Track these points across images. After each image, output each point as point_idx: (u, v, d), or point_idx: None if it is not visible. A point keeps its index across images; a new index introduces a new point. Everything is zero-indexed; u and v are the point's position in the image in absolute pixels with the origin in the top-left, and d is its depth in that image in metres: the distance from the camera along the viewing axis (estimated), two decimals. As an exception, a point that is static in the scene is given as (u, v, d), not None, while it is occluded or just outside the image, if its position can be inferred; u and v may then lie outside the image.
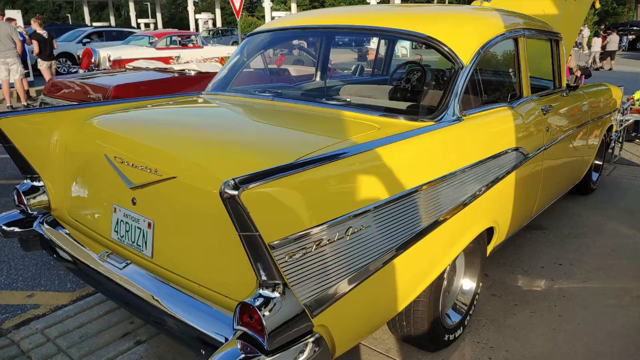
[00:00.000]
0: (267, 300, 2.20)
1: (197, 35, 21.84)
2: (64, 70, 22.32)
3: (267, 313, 2.17)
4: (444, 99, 3.54)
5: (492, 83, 4.76)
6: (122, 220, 3.16)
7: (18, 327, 4.01)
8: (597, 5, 8.80)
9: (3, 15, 14.70)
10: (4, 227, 3.64)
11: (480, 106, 3.88)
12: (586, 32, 36.85)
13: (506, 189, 3.90)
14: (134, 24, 51.94)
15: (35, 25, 15.12)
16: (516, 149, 3.94)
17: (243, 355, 2.23)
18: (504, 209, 3.99)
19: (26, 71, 15.61)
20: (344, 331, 2.60)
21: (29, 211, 3.64)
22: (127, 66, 10.78)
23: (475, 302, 3.99)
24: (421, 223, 2.91)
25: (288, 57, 12.05)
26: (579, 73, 11.35)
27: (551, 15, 7.16)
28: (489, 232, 3.90)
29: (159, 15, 57.69)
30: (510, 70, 4.63)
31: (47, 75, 15.12)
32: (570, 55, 10.20)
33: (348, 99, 4.09)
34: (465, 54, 3.65)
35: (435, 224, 3.02)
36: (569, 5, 7.55)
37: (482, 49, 3.77)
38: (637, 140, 10.52)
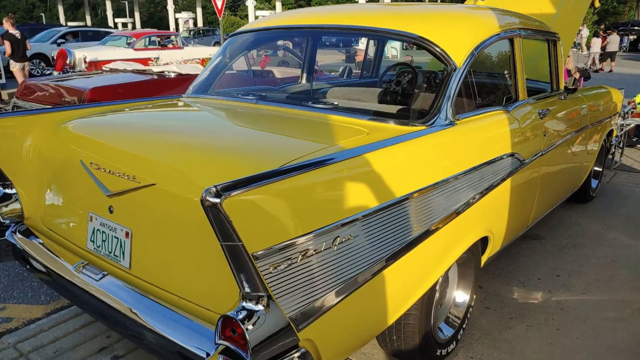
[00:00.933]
0: (251, 313, 2.20)
1: (177, 36, 21.90)
2: (38, 72, 22.21)
3: (250, 327, 2.17)
4: (436, 103, 3.55)
5: (487, 86, 4.78)
6: (98, 230, 3.16)
7: (-11, 342, 4.00)
8: (597, 4, 8.85)
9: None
10: (-26, 237, 3.64)
11: (474, 110, 3.91)
12: (585, 32, 37.04)
13: (501, 196, 3.93)
14: (111, 23, 52.01)
15: (7, 25, 15.06)
16: (512, 155, 3.97)
17: (226, 371, 2.24)
18: (499, 218, 4.01)
19: (-3, 73, 15.58)
20: (331, 346, 2.60)
21: (1, 220, 3.62)
22: (103, 68, 10.79)
23: (468, 315, 4.00)
24: (412, 232, 2.92)
25: (272, 59, 12.05)
26: (577, 75, 11.44)
27: (548, 15, 7.21)
28: (484, 241, 3.92)
29: (137, 15, 57.79)
30: (506, 72, 4.65)
31: (19, 78, 15.06)
32: (568, 56, 10.25)
33: (335, 103, 4.10)
34: (458, 55, 3.67)
35: (427, 234, 3.03)
36: (567, 4, 7.60)
37: (476, 50, 3.79)
38: (639, 146, 10.58)
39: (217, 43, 34.23)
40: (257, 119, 3.88)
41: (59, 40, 24.21)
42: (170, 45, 20.46)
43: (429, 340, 3.49)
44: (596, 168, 7.12)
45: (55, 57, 17.36)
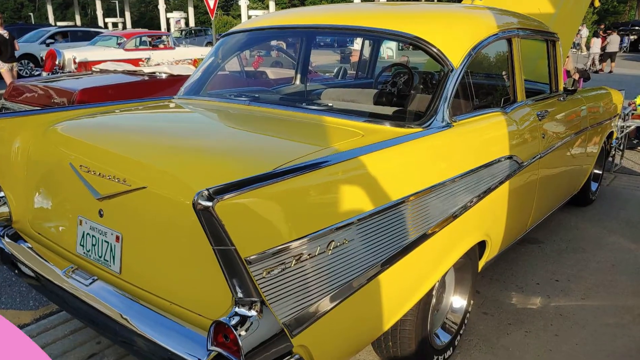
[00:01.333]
0: (244, 319, 2.20)
1: (168, 36, 21.90)
2: (26, 73, 22.23)
3: (243, 333, 2.17)
4: (432, 104, 3.55)
5: (484, 87, 4.79)
6: (88, 234, 3.15)
7: (-25, 349, 3.98)
8: (597, 4, 8.88)
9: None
10: (-39, 242, 3.63)
11: (471, 111, 3.91)
12: (585, 32, 37.11)
13: (499, 200, 3.93)
14: (101, 23, 52.01)
15: (-5, 25, 15.07)
16: (510, 157, 3.97)
17: (217, 378, 2.24)
18: (496, 222, 4.02)
19: (-15, 74, 15.56)
20: (325, 352, 2.60)
21: (-12, 224, 3.62)
22: (93, 68, 10.78)
23: (466, 321, 4.00)
24: (408, 236, 2.92)
25: (266, 59, 12.07)
26: (577, 76, 11.49)
27: (547, 14, 7.22)
28: (481, 246, 3.92)
29: (127, 14, 57.80)
30: (504, 73, 4.66)
31: (8, 79, 15.04)
32: (567, 56, 10.28)
33: (330, 104, 4.10)
34: (456, 56, 3.67)
35: (423, 238, 3.03)
36: (566, 4, 7.62)
37: (473, 50, 3.79)
38: (639, 148, 10.59)
39: (210, 43, 34.24)
40: (250, 121, 3.88)
41: (48, 41, 24.18)
42: (161, 46, 20.45)
43: (425, 346, 3.48)
44: (596, 171, 7.12)
45: (44, 58, 17.35)
